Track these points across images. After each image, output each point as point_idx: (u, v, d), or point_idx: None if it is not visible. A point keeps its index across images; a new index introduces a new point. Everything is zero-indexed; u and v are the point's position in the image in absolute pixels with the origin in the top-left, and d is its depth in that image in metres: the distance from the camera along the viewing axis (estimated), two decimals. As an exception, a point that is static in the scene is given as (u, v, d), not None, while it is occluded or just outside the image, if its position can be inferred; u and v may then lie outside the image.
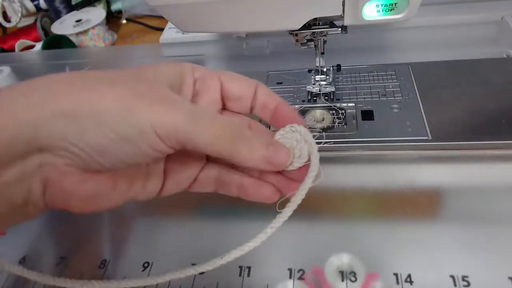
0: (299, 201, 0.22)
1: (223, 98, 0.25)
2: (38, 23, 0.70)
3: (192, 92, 0.23)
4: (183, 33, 0.57)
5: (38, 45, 0.67)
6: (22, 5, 0.75)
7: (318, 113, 0.38)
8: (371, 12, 0.29)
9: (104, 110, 0.18)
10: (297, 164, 0.22)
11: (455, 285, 0.25)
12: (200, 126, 0.19)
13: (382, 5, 0.28)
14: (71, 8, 0.70)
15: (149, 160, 0.21)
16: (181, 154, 0.23)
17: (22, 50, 0.68)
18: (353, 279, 0.27)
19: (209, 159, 0.25)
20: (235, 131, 0.20)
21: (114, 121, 0.18)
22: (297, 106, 0.39)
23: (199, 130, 0.19)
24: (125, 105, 0.18)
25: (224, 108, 0.25)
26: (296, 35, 0.34)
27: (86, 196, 0.20)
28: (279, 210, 0.23)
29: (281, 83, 0.43)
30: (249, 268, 0.29)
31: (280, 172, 0.24)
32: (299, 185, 0.22)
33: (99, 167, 0.20)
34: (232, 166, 0.25)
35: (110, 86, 0.18)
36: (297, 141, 0.22)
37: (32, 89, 0.18)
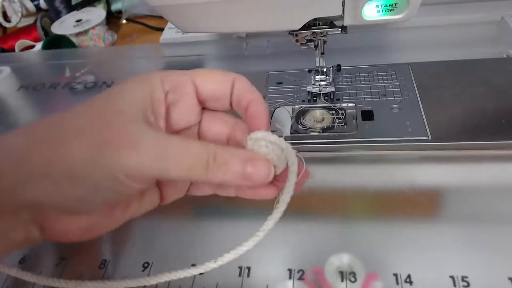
0: (286, 203, 0.22)
1: (200, 101, 0.24)
2: (38, 23, 0.70)
3: (165, 106, 0.22)
4: (183, 33, 0.57)
5: (38, 45, 0.67)
6: (22, 5, 0.75)
7: (318, 113, 0.38)
8: (371, 12, 0.29)
9: (75, 164, 0.19)
10: (277, 173, 0.21)
11: (454, 285, 0.25)
12: (170, 163, 0.19)
13: (382, 5, 0.28)
14: (71, 8, 0.70)
15: (133, 194, 0.22)
16: None
17: (22, 50, 0.68)
18: (353, 279, 0.27)
19: None
20: (207, 158, 0.19)
21: (86, 174, 0.19)
22: (297, 106, 0.39)
23: (169, 167, 0.19)
24: (93, 157, 0.18)
25: (204, 108, 0.24)
26: (296, 35, 0.34)
27: (83, 230, 0.22)
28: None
29: (281, 83, 0.43)
30: (249, 268, 0.29)
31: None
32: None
33: (87, 210, 0.21)
34: None
35: (78, 136, 0.19)
36: (277, 155, 0.21)
37: (10, 148, 0.19)
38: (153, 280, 0.24)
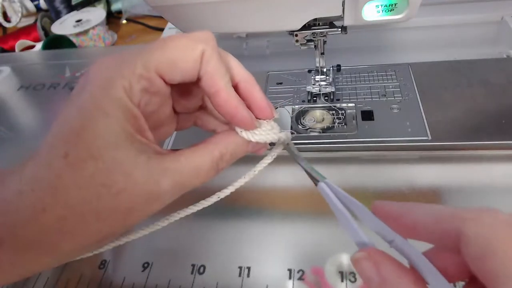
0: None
1: (170, 84, 0.20)
2: (38, 23, 0.70)
3: (143, 116, 0.20)
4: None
5: (38, 45, 0.67)
6: (22, 5, 0.75)
7: (318, 113, 0.38)
8: (371, 13, 0.29)
9: (98, 244, 0.20)
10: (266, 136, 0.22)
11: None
12: (185, 189, 0.20)
13: (382, 5, 0.28)
14: (71, 8, 0.70)
15: None
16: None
17: (22, 50, 0.68)
18: (352, 279, 0.27)
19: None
20: (216, 164, 0.21)
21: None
22: (297, 106, 0.39)
23: (185, 190, 0.20)
24: (117, 230, 0.19)
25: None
26: (296, 35, 0.34)
27: None
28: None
29: (281, 83, 0.43)
30: (249, 268, 0.29)
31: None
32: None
33: None
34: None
35: (95, 219, 0.18)
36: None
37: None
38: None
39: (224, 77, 0.20)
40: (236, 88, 0.21)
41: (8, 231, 0.18)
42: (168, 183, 0.19)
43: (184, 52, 0.19)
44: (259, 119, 0.22)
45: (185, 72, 0.20)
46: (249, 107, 0.22)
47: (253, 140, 0.21)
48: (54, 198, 0.17)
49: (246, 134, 0.21)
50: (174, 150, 0.20)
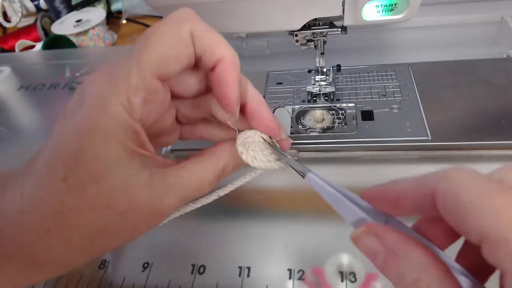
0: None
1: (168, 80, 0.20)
2: (38, 23, 0.70)
3: (142, 126, 0.19)
4: (183, 33, 0.57)
5: (38, 45, 0.67)
6: (22, 5, 0.75)
7: (318, 113, 0.38)
8: (371, 13, 0.29)
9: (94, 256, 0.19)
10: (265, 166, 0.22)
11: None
12: (188, 201, 0.21)
13: (382, 5, 0.28)
14: (71, 8, 0.70)
15: None
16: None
17: (22, 50, 0.68)
18: (352, 279, 0.27)
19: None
20: (219, 176, 0.21)
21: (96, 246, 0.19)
22: (297, 106, 0.39)
23: (187, 202, 0.21)
24: (121, 243, 0.19)
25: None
26: (296, 35, 0.34)
27: None
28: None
29: (281, 83, 0.43)
30: (249, 268, 0.29)
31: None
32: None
33: None
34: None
35: (99, 237, 0.18)
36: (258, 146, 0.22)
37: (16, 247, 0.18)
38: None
39: (224, 43, 0.19)
40: (244, 107, 0.22)
41: (15, 248, 0.18)
42: (172, 200, 0.19)
43: (171, 42, 0.18)
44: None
45: (180, 60, 0.18)
46: (257, 125, 0.22)
47: (252, 165, 0.22)
48: (57, 221, 0.17)
49: (245, 157, 0.21)
50: (176, 161, 0.20)
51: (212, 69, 0.19)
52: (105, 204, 0.17)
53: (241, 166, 0.22)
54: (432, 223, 0.17)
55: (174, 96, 0.21)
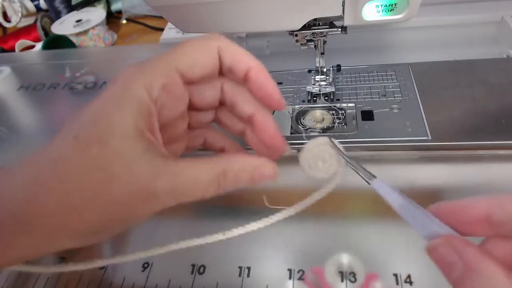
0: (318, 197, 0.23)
1: (188, 83, 0.22)
2: (38, 23, 0.70)
3: (157, 114, 0.21)
4: (183, 33, 0.57)
5: (38, 45, 0.67)
6: (22, 5, 0.75)
7: (318, 113, 0.38)
8: (371, 13, 0.29)
9: (90, 226, 0.20)
10: (322, 174, 0.23)
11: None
12: (183, 197, 0.20)
13: (382, 5, 0.28)
14: (71, 8, 0.70)
15: None
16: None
17: (22, 50, 0.68)
18: (352, 279, 0.27)
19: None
20: (218, 180, 0.20)
21: (102, 230, 0.20)
22: (297, 106, 0.39)
23: (182, 199, 0.20)
24: (108, 217, 0.19)
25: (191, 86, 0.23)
26: (296, 35, 0.34)
27: None
28: (271, 206, 0.25)
29: (281, 83, 0.43)
30: (249, 268, 0.29)
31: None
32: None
33: None
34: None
35: (86, 200, 0.19)
36: (330, 154, 0.24)
37: (17, 213, 0.19)
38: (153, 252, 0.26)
39: (250, 56, 0.22)
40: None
41: (7, 213, 0.19)
42: (165, 185, 0.19)
43: (201, 50, 0.21)
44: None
45: (204, 66, 0.21)
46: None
47: (315, 176, 0.23)
48: (52, 172, 0.18)
49: (311, 172, 0.23)
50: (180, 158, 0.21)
51: (245, 78, 0.22)
52: (99, 165, 0.18)
53: (245, 178, 0.21)
54: (503, 240, 0.17)
55: (191, 107, 0.23)
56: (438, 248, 0.16)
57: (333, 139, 0.23)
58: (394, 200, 0.19)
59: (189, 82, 0.22)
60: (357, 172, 0.21)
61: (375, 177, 0.20)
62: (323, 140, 0.23)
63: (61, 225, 0.19)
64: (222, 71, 0.22)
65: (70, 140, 0.19)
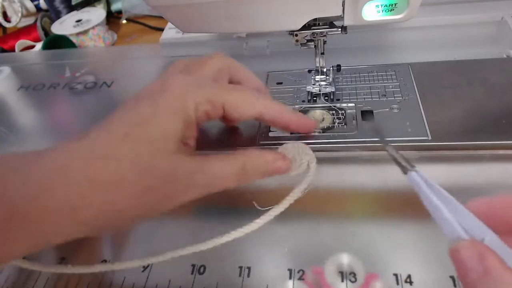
0: (297, 195, 0.26)
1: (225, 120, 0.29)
2: (38, 23, 0.70)
3: (196, 128, 0.25)
4: (183, 33, 0.57)
5: (38, 45, 0.67)
6: (22, 5, 0.75)
7: (318, 113, 0.38)
8: (371, 13, 0.29)
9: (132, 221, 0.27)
10: (296, 171, 0.27)
11: (455, 285, 0.25)
12: (207, 190, 0.24)
13: (382, 5, 0.28)
14: (71, 8, 0.70)
15: None
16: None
17: (22, 50, 0.68)
18: (353, 279, 0.27)
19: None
20: (238, 173, 0.24)
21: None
22: (297, 106, 0.39)
23: (206, 192, 0.24)
24: (150, 213, 0.24)
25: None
26: (296, 35, 0.34)
27: None
28: (259, 207, 0.27)
29: (281, 83, 0.43)
30: (249, 268, 0.29)
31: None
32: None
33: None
34: None
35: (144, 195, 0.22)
36: (298, 153, 0.27)
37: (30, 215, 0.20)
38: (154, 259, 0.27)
39: (255, 77, 0.29)
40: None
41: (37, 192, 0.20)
42: (202, 180, 0.23)
43: (248, 104, 0.26)
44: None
45: (243, 117, 0.26)
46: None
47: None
48: (89, 162, 0.21)
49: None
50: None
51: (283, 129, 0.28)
52: (148, 163, 0.21)
53: (262, 169, 0.25)
54: None
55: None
56: (461, 250, 0.16)
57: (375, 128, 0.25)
58: (426, 198, 0.18)
59: (225, 118, 0.26)
60: (394, 160, 0.20)
61: (414, 166, 0.20)
62: (297, 143, 0.28)
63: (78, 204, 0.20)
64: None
65: (119, 136, 0.21)
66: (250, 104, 0.26)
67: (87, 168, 0.20)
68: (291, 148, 0.28)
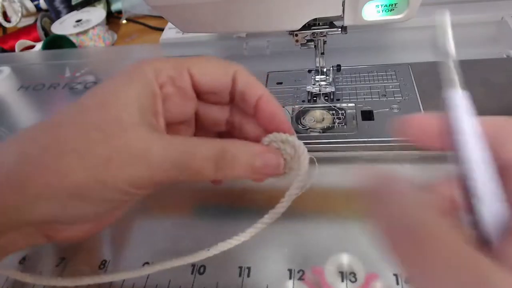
0: (292, 198, 0.22)
1: (196, 93, 0.22)
2: (38, 23, 0.70)
3: (162, 99, 0.21)
4: (183, 33, 0.57)
5: (38, 45, 0.67)
6: (22, 5, 0.75)
7: (318, 113, 0.38)
8: (371, 13, 0.29)
9: (80, 185, 0.18)
10: (288, 176, 0.22)
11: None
12: (178, 170, 0.19)
13: (382, 5, 0.28)
14: (71, 8, 0.70)
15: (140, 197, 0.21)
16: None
17: (22, 50, 0.68)
18: (353, 279, 0.27)
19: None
20: (216, 158, 0.19)
21: (93, 192, 0.18)
22: (297, 106, 0.39)
23: (177, 174, 0.19)
24: (97, 177, 0.18)
25: (200, 99, 0.23)
26: (296, 35, 0.34)
27: (86, 233, 0.23)
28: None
29: (281, 83, 0.43)
30: (249, 268, 0.29)
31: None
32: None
33: (93, 219, 0.22)
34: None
35: (78, 158, 0.18)
36: (290, 155, 0.21)
37: (10, 172, 0.18)
38: (148, 270, 0.26)
39: (262, 86, 0.23)
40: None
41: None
42: (159, 152, 0.19)
43: (216, 65, 0.22)
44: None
45: (215, 79, 0.22)
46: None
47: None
48: (50, 133, 0.19)
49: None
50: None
51: (256, 105, 0.22)
52: (98, 127, 0.18)
53: (243, 163, 0.20)
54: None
55: (197, 122, 0.25)
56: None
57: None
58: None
59: (198, 90, 0.22)
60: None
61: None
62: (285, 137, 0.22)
63: (48, 184, 0.18)
64: (234, 99, 0.23)
65: (74, 106, 0.20)
66: (222, 66, 0.22)
67: None
68: (274, 138, 0.22)
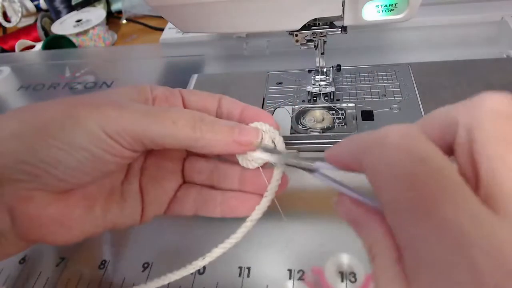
0: (274, 191, 0.23)
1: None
2: (38, 23, 0.70)
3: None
4: (183, 33, 0.57)
5: (38, 45, 0.67)
6: (22, 5, 0.75)
7: (318, 113, 0.38)
8: (371, 13, 0.29)
9: (49, 122, 0.18)
10: (260, 160, 0.22)
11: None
12: (154, 117, 0.19)
13: (382, 5, 0.28)
14: (71, 8, 0.70)
15: (114, 168, 0.20)
16: (155, 169, 0.24)
17: (22, 50, 0.68)
18: (353, 279, 0.27)
19: (185, 180, 0.25)
20: (193, 118, 0.20)
21: (61, 131, 0.18)
22: (297, 106, 0.39)
23: (153, 121, 0.19)
24: (70, 113, 0.18)
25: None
26: (296, 35, 0.34)
27: (56, 221, 0.19)
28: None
29: (281, 83, 0.43)
30: (249, 268, 0.29)
31: (258, 179, 0.23)
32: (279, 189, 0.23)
33: (62, 185, 0.19)
34: (212, 186, 0.25)
35: (58, 102, 0.19)
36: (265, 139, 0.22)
37: None
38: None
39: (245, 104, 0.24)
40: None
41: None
42: (137, 105, 0.20)
43: (205, 94, 0.25)
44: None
45: (203, 100, 0.24)
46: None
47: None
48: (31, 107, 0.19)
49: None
50: None
51: (241, 114, 0.24)
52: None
53: (223, 126, 0.21)
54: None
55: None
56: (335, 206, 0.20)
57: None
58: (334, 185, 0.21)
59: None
60: (299, 167, 0.20)
61: (313, 164, 0.20)
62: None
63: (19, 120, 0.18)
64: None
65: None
66: (206, 93, 0.25)
67: None
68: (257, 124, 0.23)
